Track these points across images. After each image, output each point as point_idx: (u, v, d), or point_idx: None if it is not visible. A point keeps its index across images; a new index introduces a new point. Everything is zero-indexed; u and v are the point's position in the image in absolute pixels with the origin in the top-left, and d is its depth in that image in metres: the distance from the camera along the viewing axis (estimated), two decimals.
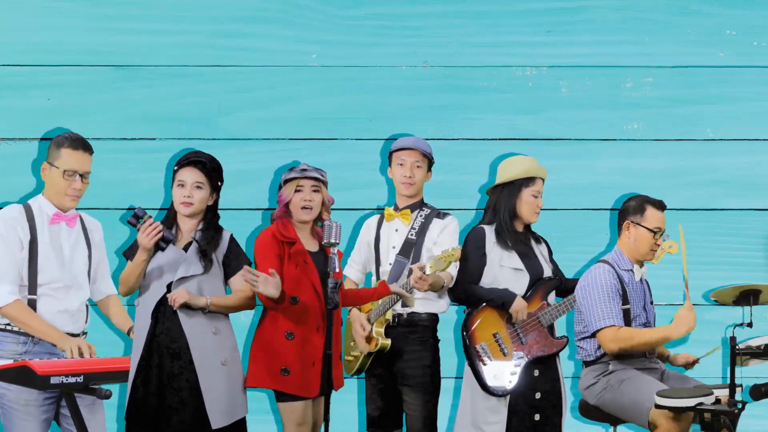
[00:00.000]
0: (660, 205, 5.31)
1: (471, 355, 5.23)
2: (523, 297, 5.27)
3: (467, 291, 5.28)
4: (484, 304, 5.26)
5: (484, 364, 5.22)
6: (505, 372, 5.21)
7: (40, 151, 5.94)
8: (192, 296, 4.92)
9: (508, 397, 5.20)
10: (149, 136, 6.11)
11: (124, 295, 5.12)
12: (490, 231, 5.33)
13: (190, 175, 5.06)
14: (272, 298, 4.90)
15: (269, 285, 4.88)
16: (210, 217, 5.11)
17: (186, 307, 4.93)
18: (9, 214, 4.96)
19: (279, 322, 5.02)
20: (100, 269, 5.23)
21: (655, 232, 5.25)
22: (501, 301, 5.24)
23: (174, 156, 5.69)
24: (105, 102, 6.11)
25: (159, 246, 4.91)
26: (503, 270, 5.29)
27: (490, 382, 5.20)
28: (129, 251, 5.04)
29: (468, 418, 5.26)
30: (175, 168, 5.11)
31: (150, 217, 4.89)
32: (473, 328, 5.25)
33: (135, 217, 4.90)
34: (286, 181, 5.14)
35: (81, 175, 5.00)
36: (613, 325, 5.12)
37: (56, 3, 6.14)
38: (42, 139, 6.02)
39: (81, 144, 5.02)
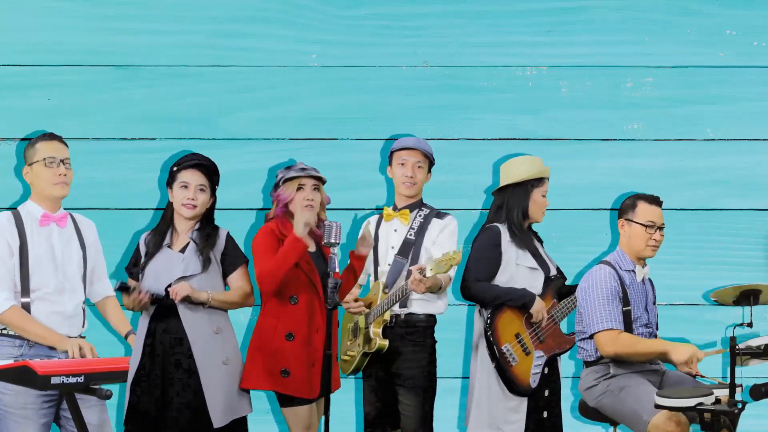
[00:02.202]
0: (652, 200, 5.29)
1: (497, 357, 5.22)
2: (540, 296, 5.29)
3: (482, 290, 5.26)
4: (502, 304, 5.25)
5: (510, 366, 5.22)
6: (528, 372, 5.22)
7: (17, 153, 5.94)
8: (193, 290, 4.93)
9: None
10: (149, 136, 6.11)
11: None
12: (504, 229, 5.32)
13: (194, 178, 5.06)
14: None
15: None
16: (206, 218, 5.13)
17: (187, 300, 4.93)
18: None
19: (279, 323, 5.02)
20: (97, 270, 5.21)
21: (647, 226, 5.24)
22: (522, 302, 5.24)
23: (172, 156, 5.67)
24: (105, 102, 6.10)
25: (152, 303, 5.02)
26: (519, 269, 5.29)
27: (516, 382, 5.20)
28: (130, 267, 5.11)
29: (485, 419, 5.24)
30: (175, 169, 5.11)
31: (135, 288, 4.98)
32: (498, 329, 5.24)
33: (123, 289, 5.03)
34: (286, 180, 5.13)
35: (62, 161, 4.98)
36: (612, 329, 5.12)
37: (56, 3, 6.14)
38: None
39: (53, 136, 5.04)
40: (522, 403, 5.20)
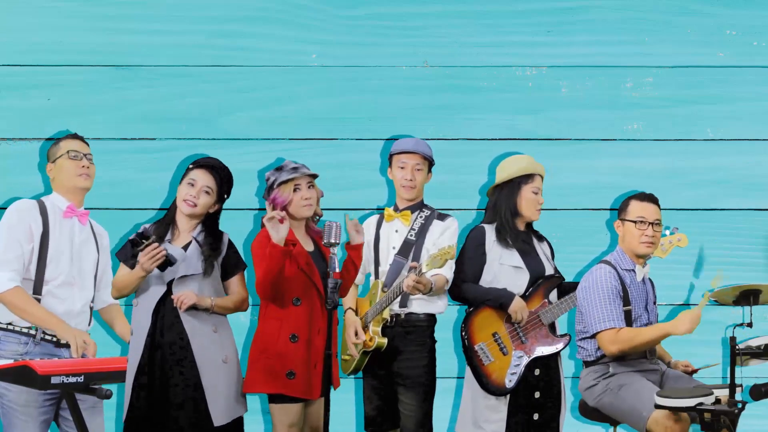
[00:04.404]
0: (644, 197, 5.30)
1: (470, 356, 5.24)
2: (524, 295, 5.28)
3: (466, 290, 5.29)
4: (482, 303, 5.26)
5: (483, 364, 5.22)
6: (504, 372, 5.21)
7: (41, 151, 5.95)
8: (197, 298, 4.93)
9: (507, 396, 5.20)
10: (149, 136, 6.11)
11: (116, 298, 5.13)
12: (490, 230, 5.34)
13: (203, 178, 5.06)
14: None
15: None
16: (210, 224, 5.11)
17: (192, 307, 4.94)
18: (22, 206, 5.02)
19: (282, 325, 5.00)
20: (105, 277, 5.25)
21: (636, 222, 5.25)
22: (499, 302, 5.24)
23: (186, 158, 5.65)
24: (105, 102, 6.11)
25: (159, 267, 4.92)
26: (503, 268, 5.29)
27: (490, 381, 5.20)
28: (122, 253, 5.02)
29: (469, 417, 5.27)
30: (190, 166, 5.11)
31: (155, 239, 4.90)
32: (472, 328, 5.26)
33: (140, 236, 4.91)
34: (281, 183, 5.11)
35: (85, 155, 5.08)
36: (613, 328, 5.12)
37: (56, 3, 6.14)
38: (42, 139, 6.02)
39: (76, 135, 5.17)
40: (501, 403, 5.19)
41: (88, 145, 5.15)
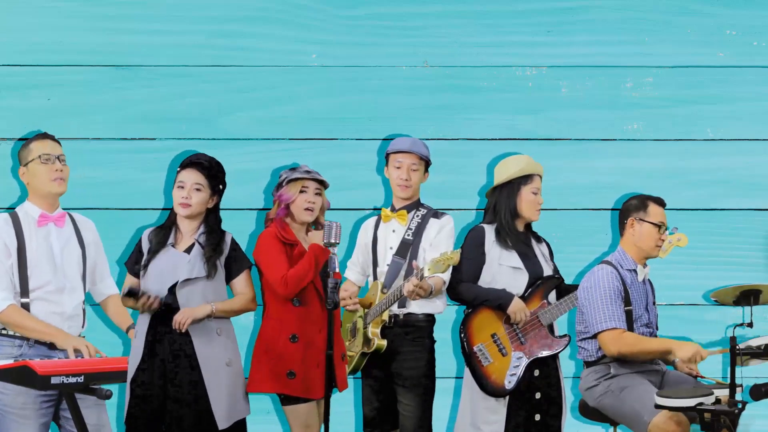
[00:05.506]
0: (660, 202, 5.32)
1: (469, 357, 5.23)
2: (523, 296, 5.27)
3: (465, 290, 5.28)
4: (481, 304, 5.26)
5: (482, 366, 5.22)
6: (503, 373, 5.21)
7: (12, 153, 5.94)
8: (196, 312, 4.92)
9: (507, 397, 5.20)
10: (149, 136, 6.11)
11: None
12: (489, 230, 5.33)
13: (190, 177, 5.05)
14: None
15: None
16: (212, 220, 5.09)
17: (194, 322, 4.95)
18: None
19: (283, 325, 5.02)
20: (99, 269, 5.22)
21: (659, 227, 5.25)
22: (498, 303, 5.24)
23: (176, 157, 5.67)
24: (105, 102, 6.11)
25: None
26: (502, 269, 5.29)
27: (489, 383, 5.20)
28: (130, 262, 5.06)
29: (467, 418, 5.27)
30: (178, 170, 5.11)
31: (144, 293, 4.89)
32: (471, 329, 5.25)
33: (129, 293, 4.92)
34: (290, 181, 5.13)
35: (57, 158, 5.01)
36: (615, 328, 5.12)
37: (56, 3, 6.14)
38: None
39: (46, 135, 5.09)
40: (500, 405, 5.19)
41: (60, 144, 5.08)
